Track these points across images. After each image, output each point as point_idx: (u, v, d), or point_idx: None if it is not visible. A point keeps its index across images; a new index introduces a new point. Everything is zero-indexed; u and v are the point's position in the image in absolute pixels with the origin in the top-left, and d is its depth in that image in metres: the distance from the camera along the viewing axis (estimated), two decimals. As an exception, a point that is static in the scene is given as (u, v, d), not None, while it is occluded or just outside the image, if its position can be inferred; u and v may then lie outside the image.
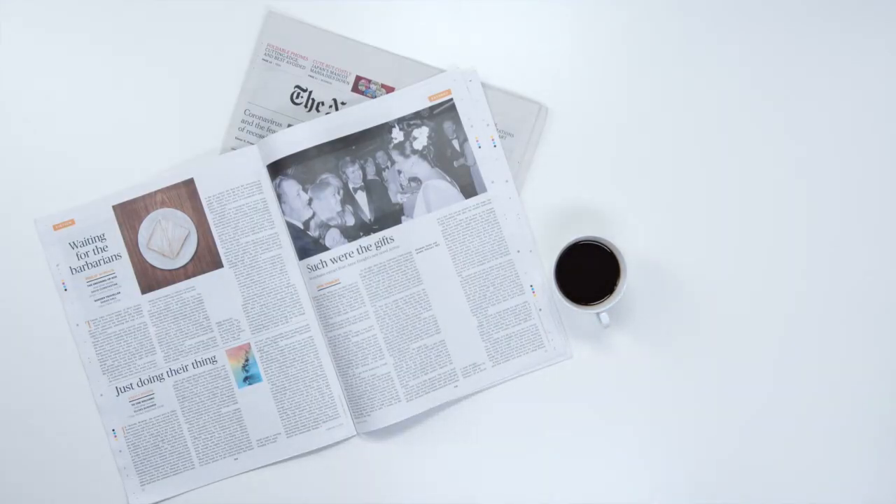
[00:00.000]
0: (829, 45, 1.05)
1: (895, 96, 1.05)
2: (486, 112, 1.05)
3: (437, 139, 1.05)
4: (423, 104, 1.05)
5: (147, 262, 1.05)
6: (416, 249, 1.05)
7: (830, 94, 1.05)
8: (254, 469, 1.06)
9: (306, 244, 1.04)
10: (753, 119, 1.05)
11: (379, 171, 1.05)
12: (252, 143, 1.06)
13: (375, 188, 1.05)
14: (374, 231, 1.05)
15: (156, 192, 1.05)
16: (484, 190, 1.05)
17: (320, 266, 1.04)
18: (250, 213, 1.05)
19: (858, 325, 1.05)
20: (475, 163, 1.05)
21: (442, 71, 1.05)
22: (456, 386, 1.05)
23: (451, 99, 1.05)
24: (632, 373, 1.06)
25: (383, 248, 1.05)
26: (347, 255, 1.04)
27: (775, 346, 1.05)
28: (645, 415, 1.06)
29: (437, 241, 1.05)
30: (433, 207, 1.05)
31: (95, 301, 1.05)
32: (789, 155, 1.05)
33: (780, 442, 1.05)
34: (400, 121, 1.04)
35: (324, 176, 1.04)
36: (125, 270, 1.05)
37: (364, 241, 1.04)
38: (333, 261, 1.04)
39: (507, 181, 1.05)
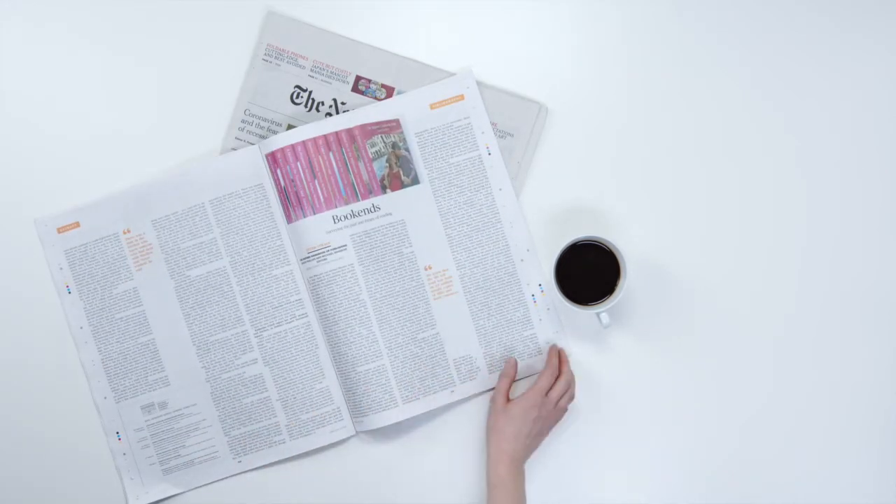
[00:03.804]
0: (829, 45, 1.05)
1: (895, 96, 1.05)
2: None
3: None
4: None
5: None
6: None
7: (830, 94, 1.05)
8: (254, 469, 1.07)
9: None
10: (753, 119, 1.05)
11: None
12: (252, 144, 1.06)
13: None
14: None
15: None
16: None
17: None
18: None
19: (857, 325, 1.05)
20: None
21: (441, 70, 1.05)
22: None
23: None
24: (632, 373, 1.06)
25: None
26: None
27: (775, 346, 1.05)
28: (645, 414, 1.06)
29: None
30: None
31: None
32: (789, 155, 1.05)
33: (779, 442, 1.05)
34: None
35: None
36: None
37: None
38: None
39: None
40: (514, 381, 1.03)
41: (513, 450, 0.97)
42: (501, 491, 0.96)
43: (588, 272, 1.00)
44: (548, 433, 1.02)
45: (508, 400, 1.01)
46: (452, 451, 1.06)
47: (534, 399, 0.99)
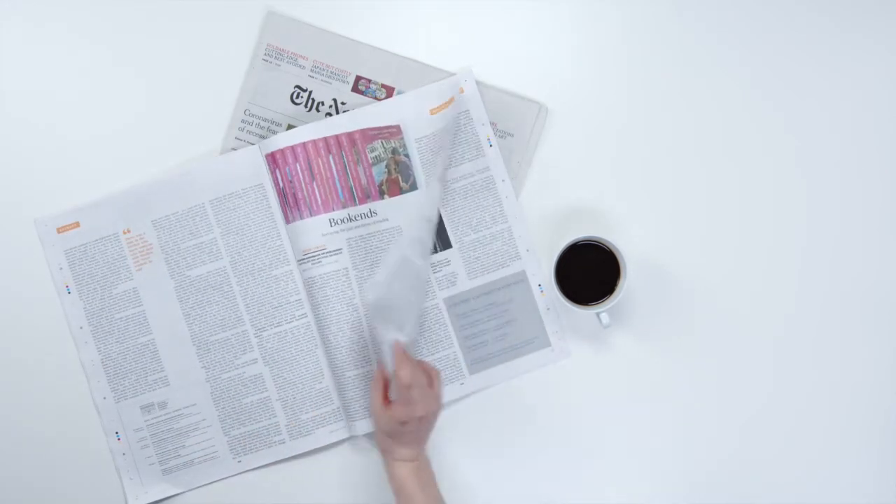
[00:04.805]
0: (829, 45, 1.05)
1: (895, 96, 1.05)
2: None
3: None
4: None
5: (147, 262, 1.06)
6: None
7: (830, 94, 1.05)
8: (254, 469, 1.07)
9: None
10: (753, 119, 1.05)
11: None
12: (252, 144, 1.06)
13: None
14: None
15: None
16: None
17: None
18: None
19: (857, 324, 1.05)
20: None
21: (441, 70, 1.05)
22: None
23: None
24: (632, 373, 1.06)
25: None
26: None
27: (775, 346, 1.05)
28: (645, 414, 1.06)
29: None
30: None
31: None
32: (789, 155, 1.05)
33: (779, 442, 1.05)
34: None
35: (324, 176, 1.04)
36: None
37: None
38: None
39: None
40: (385, 384, 0.96)
41: (399, 455, 0.94)
42: (405, 495, 0.93)
43: (588, 272, 1.00)
44: (433, 417, 0.94)
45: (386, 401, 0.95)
46: (452, 451, 1.06)
47: (398, 413, 0.92)
